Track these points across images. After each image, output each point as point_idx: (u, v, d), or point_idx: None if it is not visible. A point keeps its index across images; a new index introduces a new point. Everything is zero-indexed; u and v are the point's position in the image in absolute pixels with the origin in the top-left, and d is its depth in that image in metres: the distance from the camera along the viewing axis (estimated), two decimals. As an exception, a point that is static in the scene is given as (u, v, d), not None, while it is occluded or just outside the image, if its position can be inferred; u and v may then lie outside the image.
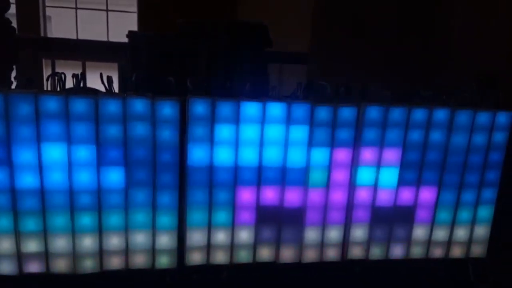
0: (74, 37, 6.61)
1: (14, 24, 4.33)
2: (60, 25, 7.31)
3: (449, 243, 2.16)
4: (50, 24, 7.44)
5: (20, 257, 1.80)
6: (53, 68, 4.80)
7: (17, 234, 1.78)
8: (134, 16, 6.74)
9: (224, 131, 1.87)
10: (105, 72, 1.85)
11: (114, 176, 1.81)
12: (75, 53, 5.31)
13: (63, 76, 1.74)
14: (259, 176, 1.94)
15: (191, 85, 1.87)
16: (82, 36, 6.62)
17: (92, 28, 6.95)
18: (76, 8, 6.93)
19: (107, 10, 6.98)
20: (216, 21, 4.88)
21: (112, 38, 6.83)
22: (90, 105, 1.70)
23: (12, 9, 4.52)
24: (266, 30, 4.27)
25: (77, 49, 5.40)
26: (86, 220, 1.83)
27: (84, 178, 1.78)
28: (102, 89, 1.85)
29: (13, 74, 4.02)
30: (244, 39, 4.22)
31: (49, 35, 6.45)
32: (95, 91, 1.76)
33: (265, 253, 2.04)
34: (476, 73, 2.98)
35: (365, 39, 4.65)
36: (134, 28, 6.68)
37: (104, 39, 6.83)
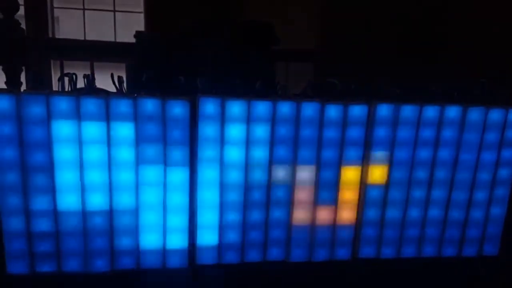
0: (82, 37, 6.64)
1: (23, 25, 4.35)
2: (68, 26, 7.34)
3: (461, 241, 2.14)
4: (58, 25, 7.47)
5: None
6: (61, 69, 4.82)
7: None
8: (142, 16, 6.75)
9: (233, 131, 1.86)
10: (114, 72, 1.85)
11: (126, 176, 1.82)
12: (83, 54, 5.32)
13: (74, 76, 1.75)
14: (270, 175, 1.94)
15: (201, 84, 1.87)
16: (90, 36, 6.65)
17: (100, 28, 6.98)
18: (84, 9, 6.96)
19: (114, 11, 7.00)
20: (222, 20, 4.87)
21: (120, 39, 6.84)
22: (100, 106, 1.71)
23: (21, 11, 4.54)
24: (273, 28, 4.26)
25: (85, 49, 5.41)
26: (98, 219, 1.84)
27: (96, 177, 1.79)
28: (112, 89, 1.85)
29: (23, 75, 4.04)
30: (250, 38, 4.22)
31: (57, 36, 6.50)
32: (105, 92, 1.76)
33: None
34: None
35: (373, 36, 4.63)
36: (142, 28, 6.69)
37: (112, 39, 6.85)
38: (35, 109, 1.66)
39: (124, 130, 1.76)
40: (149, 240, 1.91)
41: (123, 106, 1.73)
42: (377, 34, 4.60)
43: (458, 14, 4.27)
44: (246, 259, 2.01)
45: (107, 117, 1.73)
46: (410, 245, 2.11)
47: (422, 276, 2.13)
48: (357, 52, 4.55)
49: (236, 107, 1.84)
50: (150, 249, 1.92)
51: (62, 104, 1.68)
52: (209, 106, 1.82)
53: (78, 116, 1.70)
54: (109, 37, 7.03)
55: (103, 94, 1.72)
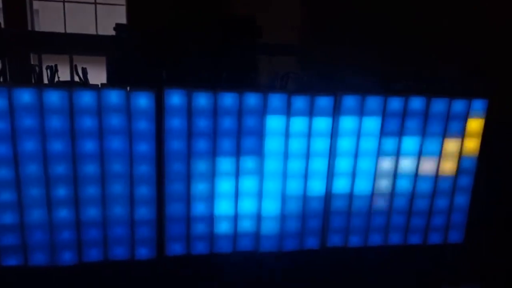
0: (62, 30, 6.57)
1: (0, 18, 4.28)
2: (47, 18, 7.25)
3: (426, 230, 2.19)
4: (38, 18, 7.38)
5: None
6: (40, 63, 4.77)
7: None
8: (123, 9, 6.69)
9: (201, 122, 1.88)
10: (94, 66, 1.85)
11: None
12: (63, 47, 5.26)
13: (54, 67, 1.74)
14: (237, 169, 1.96)
15: (166, 76, 1.88)
16: (70, 29, 6.58)
17: (80, 21, 6.90)
18: (64, 1, 6.87)
19: (95, 3, 6.92)
20: (204, 14, 4.85)
21: (102, 32, 6.78)
22: (64, 98, 1.71)
23: (-2, 3, 4.49)
24: (254, 22, 4.25)
25: (64, 42, 5.36)
26: (63, 213, 1.84)
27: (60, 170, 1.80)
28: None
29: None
30: (232, 31, 4.21)
31: (36, 29, 6.41)
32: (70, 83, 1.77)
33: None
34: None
35: (358, 29, 4.64)
36: (124, 21, 6.63)
37: (93, 32, 6.79)
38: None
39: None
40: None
41: (87, 97, 1.73)
42: (359, 27, 4.61)
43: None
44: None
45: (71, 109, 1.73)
46: (376, 234, 2.15)
47: (390, 264, 2.17)
48: (339, 45, 4.56)
49: (202, 99, 1.86)
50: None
51: (25, 96, 1.68)
52: (174, 98, 1.83)
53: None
54: (91, 30, 6.97)
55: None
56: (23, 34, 5.25)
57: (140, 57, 3.79)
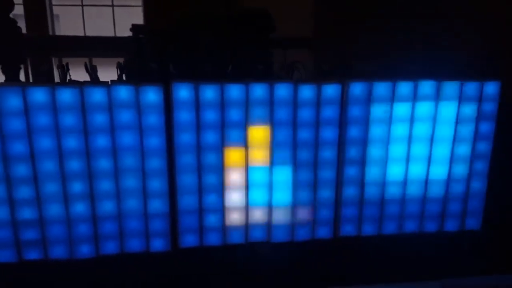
0: (82, 34, 6.72)
1: (23, 24, 4.41)
2: (68, 23, 7.44)
3: (442, 216, 2.16)
4: (59, 22, 7.57)
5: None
6: (61, 66, 4.91)
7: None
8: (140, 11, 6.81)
9: (209, 114, 1.90)
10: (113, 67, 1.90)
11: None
12: (83, 50, 5.39)
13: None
14: (247, 159, 1.97)
15: (174, 70, 1.91)
16: (90, 32, 6.73)
17: (99, 24, 7.06)
18: (82, 5, 7.03)
19: (112, 6, 7.05)
20: (218, 10, 4.88)
21: (120, 33, 6.92)
22: (75, 95, 1.76)
23: (21, 10, 4.63)
24: (269, 16, 4.25)
25: (84, 45, 5.49)
26: (80, 207, 1.90)
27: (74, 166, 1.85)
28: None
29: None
30: (247, 27, 4.22)
31: (57, 33, 6.59)
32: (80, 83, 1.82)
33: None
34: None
35: (369, 21, 4.59)
36: (142, 22, 6.74)
37: (112, 34, 6.93)
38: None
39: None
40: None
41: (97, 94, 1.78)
42: (372, 20, 4.55)
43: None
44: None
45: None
46: (391, 222, 2.13)
47: (405, 252, 2.14)
48: (352, 38, 4.52)
49: (209, 92, 1.88)
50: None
51: (39, 95, 1.74)
52: (182, 92, 1.85)
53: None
54: (109, 33, 7.11)
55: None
56: (44, 39, 5.41)
57: (151, 54, 3.85)
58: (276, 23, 4.46)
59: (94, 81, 1.84)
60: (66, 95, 1.76)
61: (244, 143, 1.95)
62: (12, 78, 4.06)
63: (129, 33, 4.37)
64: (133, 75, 2.00)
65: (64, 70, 1.77)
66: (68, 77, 1.84)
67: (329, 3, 4.79)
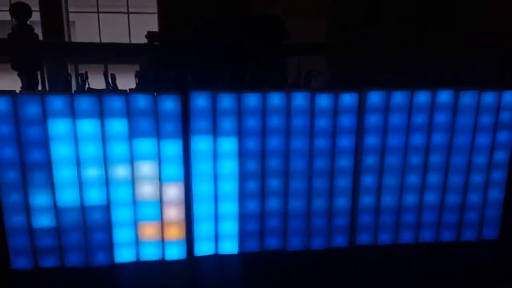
0: (97, 40, 6.80)
1: (39, 31, 4.48)
2: (84, 29, 7.54)
3: (459, 226, 2.13)
4: (74, 29, 7.68)
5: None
6: (76, 73, 4.97)
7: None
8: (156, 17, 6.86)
9: (226, 123, 1.91)
10: (127, 74, 1.92)
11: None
12: (99, 56, 5.45)
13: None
14: (263, 166, 1.98)
15: (192, 79, 1.92)
16: (106, 39, 6.81)
17: (115, 31, 7.14)
18: (98, 12, 7.12)
19: (128, 13, 7.13)
20: (232, 18, 4.91)
21: (135, 40, 6.99)
22: (94, 103, 1.78)
23: (37, 17, 4.70)
24: (283, 23, 4.27)
25: (100, 52, 5.55)
26: (97, 215, 1.92)
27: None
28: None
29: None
30: (261, 34, 4.24)
31: (73, 40, 6.68)
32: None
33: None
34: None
35: (383, 27, 4.59)
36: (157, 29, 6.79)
37: (127, 41, 7.00)
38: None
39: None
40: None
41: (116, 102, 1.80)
42: (388, 24, 4.55)
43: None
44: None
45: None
46: (407, 231, 2.11)
47: (422, 262, 2.12)
48: (367, 44, 4.52)
49: (226, 100, 1.89)
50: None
51: (58, 103, 1.76)
52: (200, 100, 1.87)
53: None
54: (125, 39, 7.19)
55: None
56: (61, 45, 5.48)
57: (168, 62, 3.89)
58: (291, 30, 4.48)
59: (113, 90, 1.85)
60: (85, 104, 1.78)
61: (261, 151, 1.96)
62: (29, 84, 4.13)
63: (144, 40, 4.43)
64: (150, 83, 2.01)
65: (84, 78, 1.79)
66: (87, 86, 1.87)
67: (345, 10, 4.80)
